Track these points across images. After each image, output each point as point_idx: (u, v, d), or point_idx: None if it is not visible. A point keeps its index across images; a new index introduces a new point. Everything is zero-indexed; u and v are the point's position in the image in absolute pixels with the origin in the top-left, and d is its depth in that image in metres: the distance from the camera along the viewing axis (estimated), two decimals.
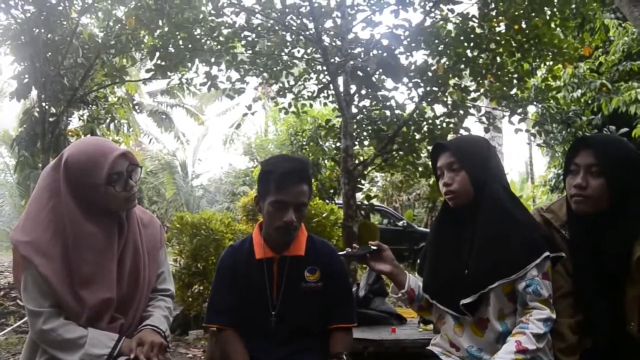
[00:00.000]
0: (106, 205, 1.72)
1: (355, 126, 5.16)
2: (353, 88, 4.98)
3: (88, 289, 1.67)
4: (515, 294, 1.71)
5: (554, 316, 1.67)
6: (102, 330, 1.70)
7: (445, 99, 5.28)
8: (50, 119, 6.75)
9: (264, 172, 1.96)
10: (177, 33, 5.25)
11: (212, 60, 5.33)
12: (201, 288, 5.14)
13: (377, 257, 1.90)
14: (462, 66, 5.14)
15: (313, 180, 2.31)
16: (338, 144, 5.67)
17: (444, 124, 5.28)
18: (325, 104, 6.18)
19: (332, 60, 4.92)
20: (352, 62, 4.59)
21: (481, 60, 5.21)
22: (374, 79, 4.85)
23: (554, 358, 1.74)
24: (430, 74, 5.02)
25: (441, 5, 5.13)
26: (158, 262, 1.93)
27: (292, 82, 5.80)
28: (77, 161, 1.69)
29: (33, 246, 1.65)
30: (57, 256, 1.66)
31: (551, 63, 5.50)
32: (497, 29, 5.09)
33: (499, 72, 5.20)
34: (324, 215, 6.03)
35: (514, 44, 5.01)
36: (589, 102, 9.12)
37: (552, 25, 5.05)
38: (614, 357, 1.73)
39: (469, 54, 5.13)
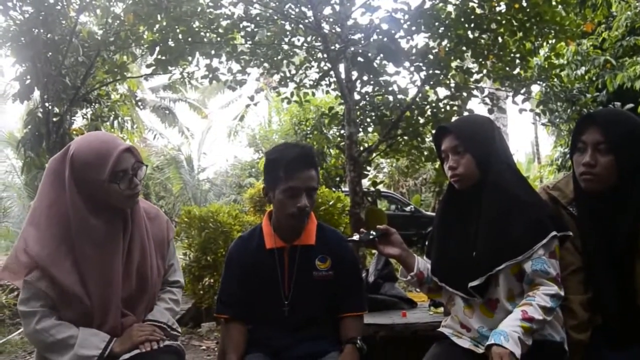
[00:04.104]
0: (108, 202, 1.71)
1: (358, 113, 5.13)
2: (354, 74, 4.95)
3: (93, 284, 1.67)
4: (523, 274, 1.71)
5: (562, 293, 1.66)
6: (96, 330, 1.67)
7: (447, 82, 5.24)
8: (54, 119, 6.77)
9: (271, 161, 1.95)
10: (176, 27, 5.22)
11: (212, 52, 5.31)
12: (211, 281, 5.18)
13: (386, 240, 1.89)
14: (464, 48, 5.09)
15: (319, 168, 2.30)
16: (342, 132, 5.63)
17: (448, 107, 5.25)
18: (327, 92, 6.15)
19: (333, 47, 4.89)
20: (352, 48, 4.56)
21: (482, 41, 5.15)
22: (375, 64, 4.81)
23: (566, 335, 1.75)
24: (431, 57, 4.97)
25: None
26: (167, 256, 1.94)
27: (293, 71, 5.77)
28: (83, 155, 1.67)
29: (49, 257, 1.63)
30: (67, 258, 1.65)
31: (553, 41, 5.43)
32: (498, 9, 5.03)
33: (501, 53, 5.15)
34: (330, 203, 6.03)
35: (515, 23, 4.95)
36: (593, 79, 9.04)
37: (553, 2, 4.98)
38: (625, 333, 1.73)
39: (470, 35, 5.08)
